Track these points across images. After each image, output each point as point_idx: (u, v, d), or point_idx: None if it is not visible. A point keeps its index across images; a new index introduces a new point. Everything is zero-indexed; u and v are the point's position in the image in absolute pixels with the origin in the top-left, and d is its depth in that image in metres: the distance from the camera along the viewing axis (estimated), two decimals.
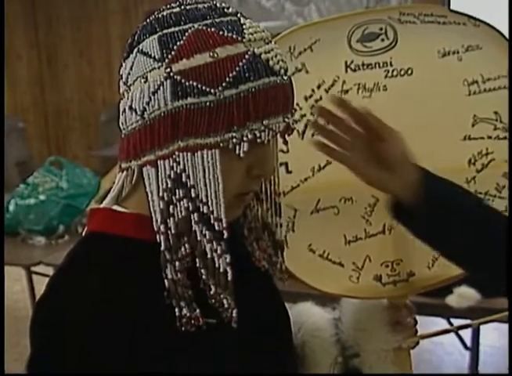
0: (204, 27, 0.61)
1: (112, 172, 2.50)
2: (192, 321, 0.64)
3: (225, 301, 0.65)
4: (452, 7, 4.65)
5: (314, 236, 0.93)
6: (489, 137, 0.94)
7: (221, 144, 0.61)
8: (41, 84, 6.24)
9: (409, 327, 0.94)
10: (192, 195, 0.62)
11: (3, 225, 2.49)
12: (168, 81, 0.61)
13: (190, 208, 0.63)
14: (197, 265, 0.64)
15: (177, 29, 0.62)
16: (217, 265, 0.64)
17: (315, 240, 0.93)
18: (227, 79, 0.60)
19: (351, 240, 0.94)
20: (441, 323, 2.26)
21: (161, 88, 0.61)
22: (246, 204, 0.72)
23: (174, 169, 0.62)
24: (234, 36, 0.61)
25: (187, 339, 0.65)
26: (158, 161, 0.63)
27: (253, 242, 0.76)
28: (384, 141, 0.76)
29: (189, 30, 0.61)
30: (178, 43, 0.61)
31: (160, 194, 0.63)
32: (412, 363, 0.96)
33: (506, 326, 1.82)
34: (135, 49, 0.64)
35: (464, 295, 1.02)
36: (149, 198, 0.64)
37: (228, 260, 0.64)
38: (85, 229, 0.72)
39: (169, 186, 0.63)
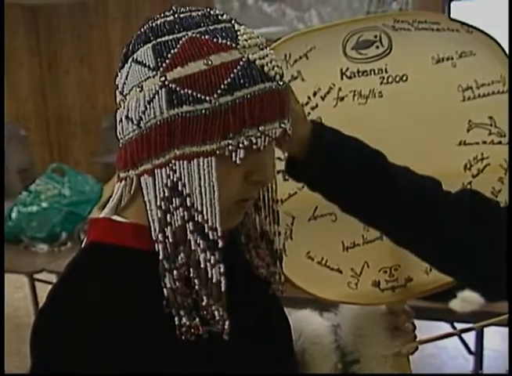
0: (198, 35, 0.61)
1: (114, 179, 2.50)
2: (192, 330, 0.64)
3: (216, 313, 0.64)
4: (452, 12, 4.67)
5: (312, 243, 0.94)
6: (484, 142, 0.95)
7: (218, 151, 0.61)
8: (42, 92, 6.26)
9: (408, 332, 0.94)
10: (188, 204, 0.62)
11: (3, 232, 2.50)
12: (163, 89, 0.60)
13: (186, 217, 0.63)
14: (191, 275, 0.64)
15: (171, 37, 0.61)
16: (209, 275, 0.63)
17: (313, 247, 0.94)
18: (222, 86, 0.60)
19: (349, 247, 0.95)
20: (444, 328, 2.25)
21: (156, 96, 0.61)
22: (246, 210, 0.71)
23: (171, 178, 0.62)
24: (228, 43, 0.61)
25: (187, 348, 0.65)
26: (155, 170, 0.63)
27: (251, 250, 0.76)
28: None
29: (183, 39, 0.61)
30: (172, 51, 0.61)
31: (158, 203, 0.63)
32: (416, 368, 0.96)
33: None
34: (130, 59, 0.64)
35: (468, 300, 1.02)
36: (148, 207, 0.64)
37: (221, 270, 0.63)
38: (85, 239, 0.72)
39: (166, 194, 0.62)
